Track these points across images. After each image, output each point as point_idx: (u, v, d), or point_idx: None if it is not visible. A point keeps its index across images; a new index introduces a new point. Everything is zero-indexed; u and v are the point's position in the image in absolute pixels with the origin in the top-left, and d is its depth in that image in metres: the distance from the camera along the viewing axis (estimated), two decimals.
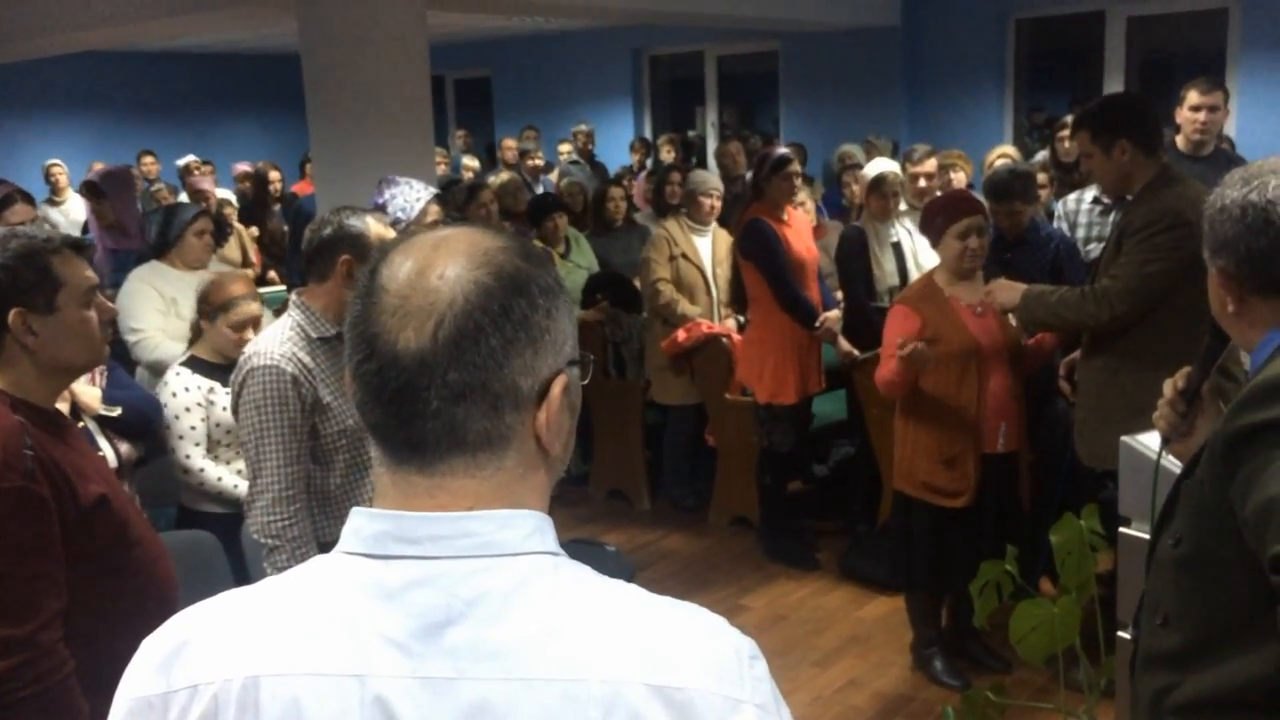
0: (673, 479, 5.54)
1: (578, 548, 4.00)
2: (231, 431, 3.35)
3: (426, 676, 0.85)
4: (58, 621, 1.85)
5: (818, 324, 4.60)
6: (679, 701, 0.84)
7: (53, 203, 8.48)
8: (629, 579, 3.55)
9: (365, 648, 0.86)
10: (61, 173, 8.83)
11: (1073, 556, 3.15)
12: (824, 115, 9.45)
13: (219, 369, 3.36)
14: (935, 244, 3.69)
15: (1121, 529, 2.45)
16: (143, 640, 2.07)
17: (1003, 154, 5.52)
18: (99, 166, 8.03)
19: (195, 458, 3.34)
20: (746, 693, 0.87)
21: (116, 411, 3.09)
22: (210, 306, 3.42)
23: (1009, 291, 3.49)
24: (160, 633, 0.94)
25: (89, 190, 5.15)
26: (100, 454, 3.02)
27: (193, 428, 3.34)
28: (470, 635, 0.86)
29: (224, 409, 3.30)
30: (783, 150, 4.76)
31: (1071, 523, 3.17)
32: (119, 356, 3.62)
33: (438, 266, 0.89)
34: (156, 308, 3.96)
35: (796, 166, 4.73)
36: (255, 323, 3.41)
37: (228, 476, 3.35)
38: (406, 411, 0.89)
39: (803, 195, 5.53)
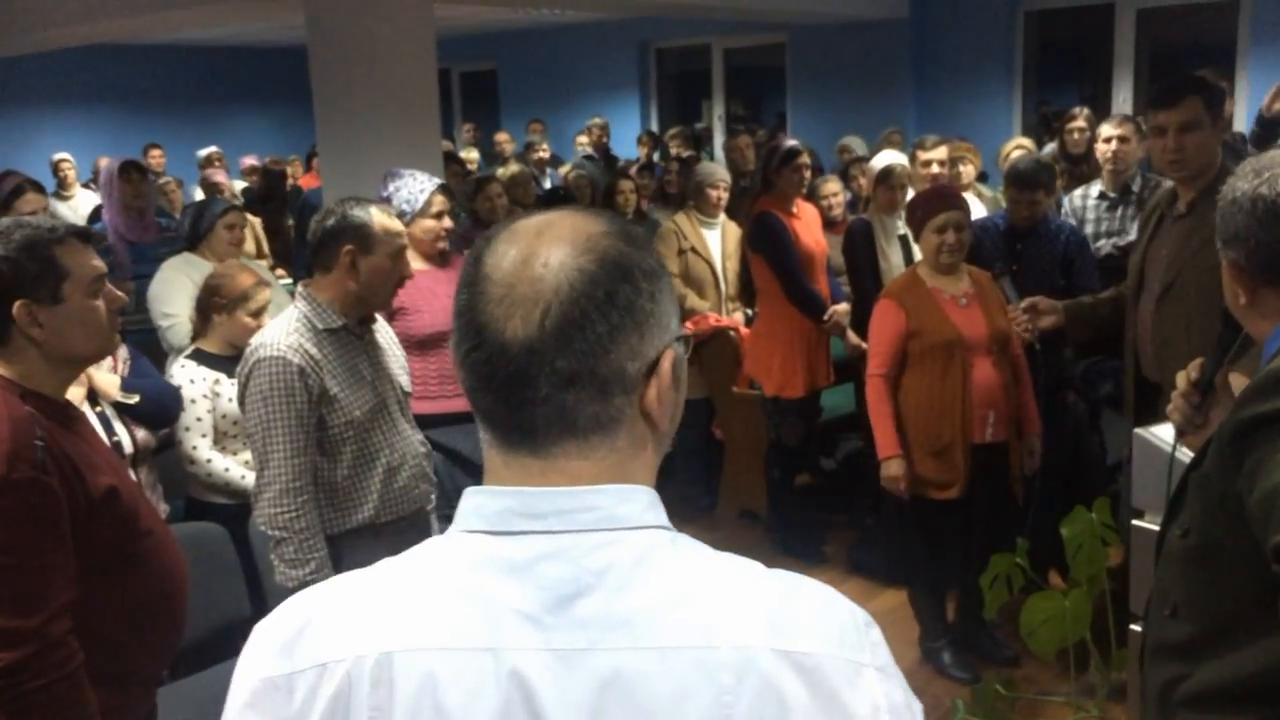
0: (685, 475, 5.53)
1: None
2: (238, 423, 3.35)
3: (560, 648, 0.86)
4: (67, 613, 1.85)
5: (826, 317, 4.59)
6: (807, 666, 0.86)
7: (60, 197, 8.46)
8: None
9: (498, 621, 0.87)
10: (69, 167, 8.82)
11: (1084, 549, 3.14)
12: (832, 108, 9.42)
13: (225, 360, 3.36)
14: (916, 238, 3.76)
15: (1134, 521, 2.43)
16: (152, 633, 2.07)
17: (1019, 145, 5.52)
18: (104, 161, 8.02)
19: (202, 449, 3.34)
20: (868, 656, 0.89)
21: (134, 399, 3.11)
22: (224, 299, 3.42)
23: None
24: (276, 616, 0.94)
25: (135, 169, 5.14)
26: (115, 440, 3.03)
27: (199, 419, 3.35)
28: (600, 606, 0.87)
29: (230, 400, 3.31)
30: (792, 143, 4.74)
31: (1083, 516, 3.16)
32: (144, 347, 3.65)
33: (542, 254, 0.90)
34: (188, 295, 4.02)
35: (806, 159, 4.71)
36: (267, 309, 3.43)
37: (234, 468, 3.36)
38: (517, 399, 0.90)
39: (834, 187, 5.50)
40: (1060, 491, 3.80)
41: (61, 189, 8.61)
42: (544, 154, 9.00)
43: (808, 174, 4.84)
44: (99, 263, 2.02)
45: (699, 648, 0.85)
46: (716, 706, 0.84)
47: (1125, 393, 3.46)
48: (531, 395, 0.89)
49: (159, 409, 3.22)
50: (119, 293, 2.09)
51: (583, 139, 9.74)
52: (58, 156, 8.90)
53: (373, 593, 0.92)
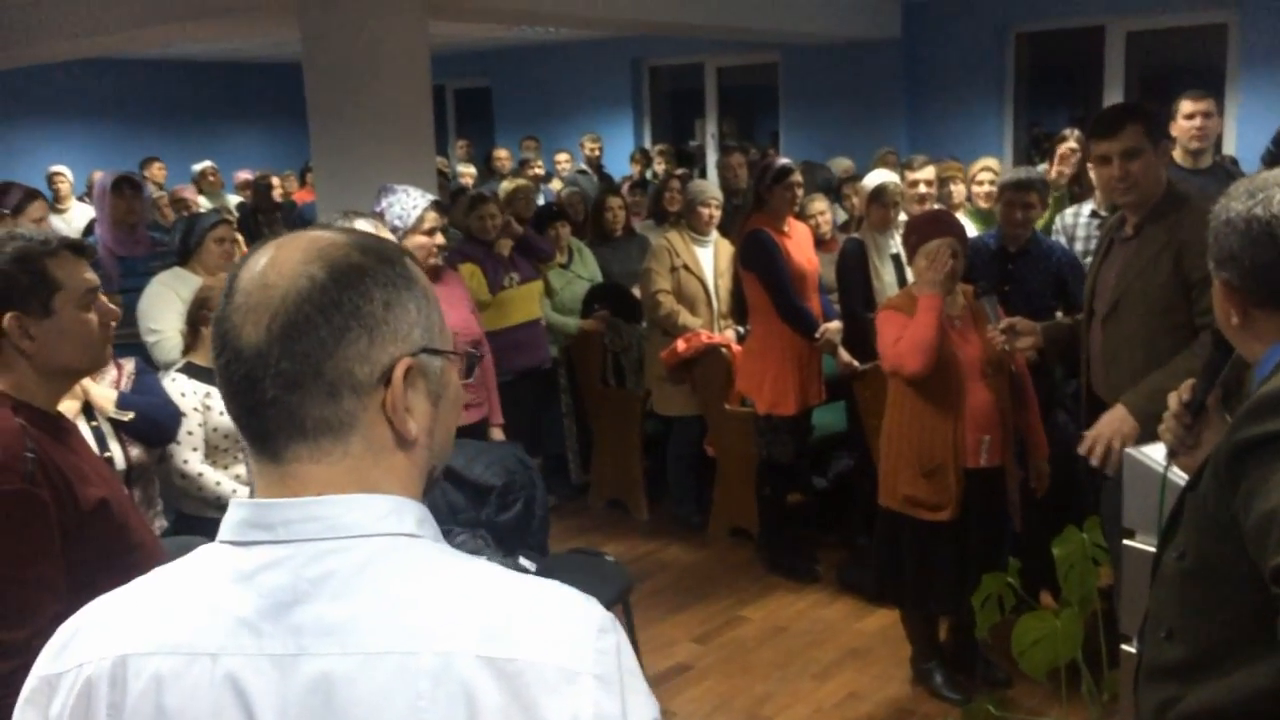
0: (678, 493, 5.52)
1: (574, 557, 3.99)
2: (229, 436, 3.34)
3: (273, 654, 0.89)
4: (55, 626, 1.83)
5: (818, 335, 4.60)
6: (509, 672, 0.87)
7: (55, 210, 8.44)
8: (627, 589, 3.52)
9: (219, 627, 0.91)
10: (64, 180, 8.81)
11: (1075, 570, 3.14)
12: (824, 127, 9.47)
13: (212, 373, 3.34)
14: (909, 260, 3.75)
15: (1125, 541, 2.44)
16: None
17: (985, 166, 5.53)
18: (99, 175, 8.01)
19: (193, 462, 3.33)
20: (587, 664, 0.88)
21: (128, 416, 3.09)
22: (213, 311, 3.41)
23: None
24: (66, 622, 1.00)
25: (128, 184, 5.12)
26: (107, 455, 3.01)
27: (190, 432, 3.34)
28: (314, 613, 0.90)
29: (221, 414, 3.30)
30: (784, 161, 4.76)
31: (1074, 536, 3.16)
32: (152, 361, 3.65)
33: (278, 264, 0.95)
34: (176, 311, 4.01)
35: (798, 177, 4.73)
36: None
37: (226, 481, 3.36)
38: (249, 402, 0.94)
39: (821, 205, 5.52)
40: (1051, 511, 3.80)
41: (56, 202, 8.59)
42: (538, 170, 9.03)
43: (800, 192, 4.86)
44: (91, 276, 2.02)
45: (401, 653, 0.88)
46: (411, 712, 0.86)
47: (1081, 410, 3.47)
48: (260, 398, 0.93)
49: (154, 427, 3.20)
50: (111, 306, 2.09)
51: (562, 157, 9.77)
52: (53, 169, 8.90)
53: (131, 600, 0.98)
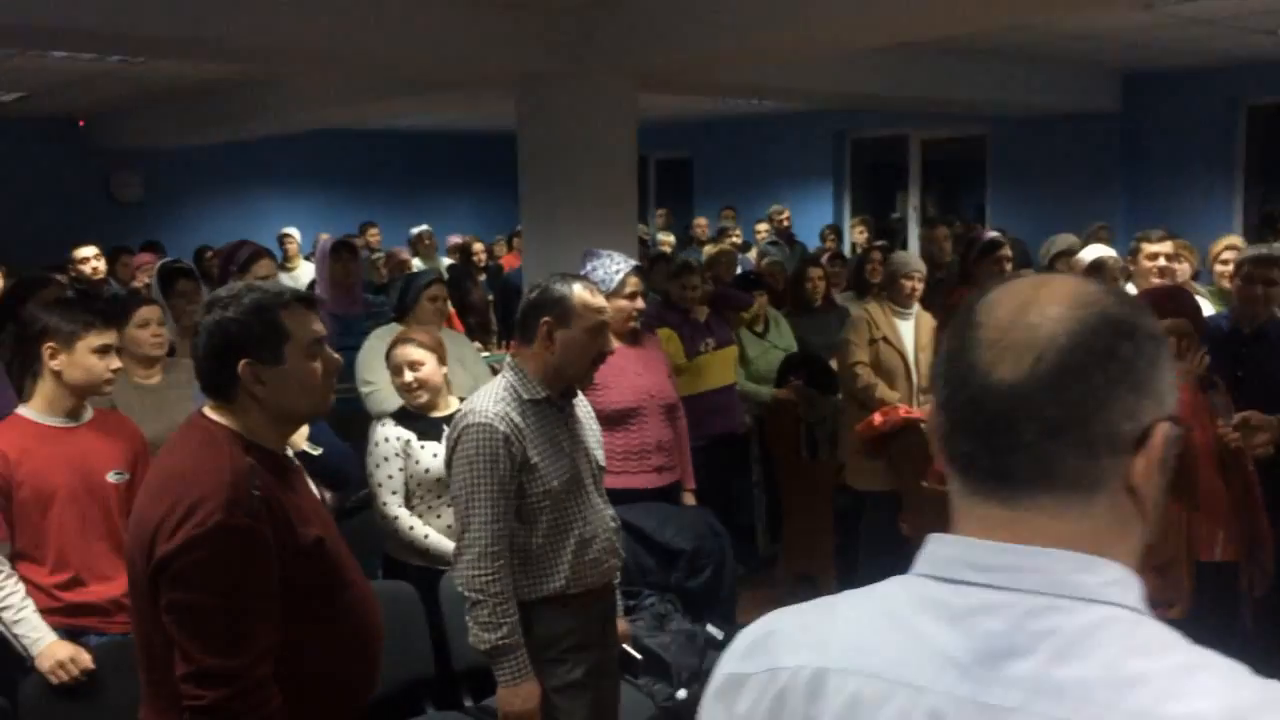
0: (870, 570, 5.33)
1: None
2: (424, 484, 3.42)
3: (987, 703, 0.85)
4: (269, 658, 1.91)
5: None
6: None
7: (284, 269, 9.07)
8: None
9: (927, 662, 0.88)
10: (293, 241, 9.46)
11: None
12: (1034, 203, 9.17)
13: (418, 420, 3.46)
14: None
15: None
16: (347, 683, 2.12)
17: (1230, 244, 5.19)
18: (324, 237, 8.55)
19: (391, 505, 3.42)
20: None
21: (319, 451, 3.17)
22: (388, 365, 3.56)
23: None
24: (752, 626, 1.02)
25: (346, 249, 5.40)
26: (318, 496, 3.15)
27: (390, 476, 3.43)
28: (1034, 669, 0.84)
29: (418, 462, 3.39)
30: (993, 234, 4.62)
31: None
32: (346, 415, 3.81)
33: (1040, 304, 0.90)
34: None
35: (1008, 251, 4.58)
36: (413, 365, 3.47)
37: (419, 527, 3.40)
38: (998, 443, 0.89)
39: None
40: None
41: (285, 261, 9.23)
42: (737, 239, 9.09)
43: (1008, 266, 4.70)
44: (319, 326, 2.11)
45: None
46: None
47: None
48: (1013, 441, 0.88)
49: (336, 469, 3.26)
50: (335, 356, 2.19)
51: (761, 227, 9.78)
52: (283, 231, 9.57)
53: (824, 615, 0.98)
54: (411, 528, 3.40)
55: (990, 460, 0.90)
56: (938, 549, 0.93)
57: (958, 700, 0.86)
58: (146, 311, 3.75)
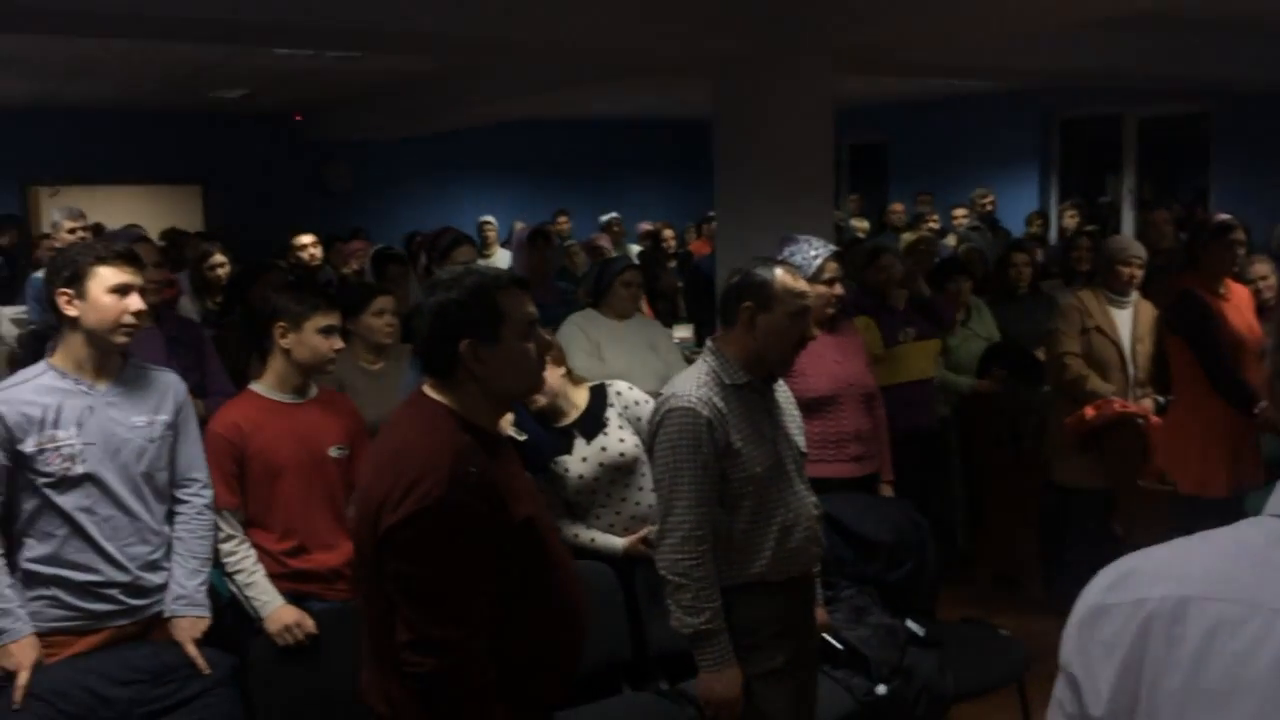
0: (1078, 571, 5.08)
1: (965, 628, 3.76)
2: (581, 491, 3.25)
3: None
4: (485, 631, 1.96)
5: (1257, 410, 4.09)
6: None
7: (483, 255, 9.36)
8: (1023, 667, 3.24)
9: (1276, 585, 0.98)
10: (491, 228, 9.75)
11: None
12: (1264, 187, 8.51)
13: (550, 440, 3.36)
14: None
15: None
16: (553, 660, 2.16)
17: None
18: (520, 225, 8.77)
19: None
20: None
21: (524, 436, 3.19)
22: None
23: None
24: (1110, 566, 1.11)
25: (541, 237, 5.54)
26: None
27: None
28: None
29: (561, 476, 3.26)
30: (1224, 216, 4.31)
31: None
32: None
33: None
34: (583, 349, 4.30)
35: (1240, 234, 4.27)
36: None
37: (584, 533, 3.27)
38: None
39: (1265, 269, 4.93)
40: None
41: (484, 247, 9.51)
42: (934, 225, 8.81)
43: (1241, 252, 4.37)
44: (532, 309, 2.15)
45: None
46: None
47: None
48: None
49: (535, 453, 3.22)
50: (548, 338, 2.23)
51: (959, 212, 9.39)
52: (482, 219, 9.88)
53: (1181, 552, 1.07)
54: (576, 535, 3.26)
55: None
56: None
57: None
58: (383, 301, 3.92)
